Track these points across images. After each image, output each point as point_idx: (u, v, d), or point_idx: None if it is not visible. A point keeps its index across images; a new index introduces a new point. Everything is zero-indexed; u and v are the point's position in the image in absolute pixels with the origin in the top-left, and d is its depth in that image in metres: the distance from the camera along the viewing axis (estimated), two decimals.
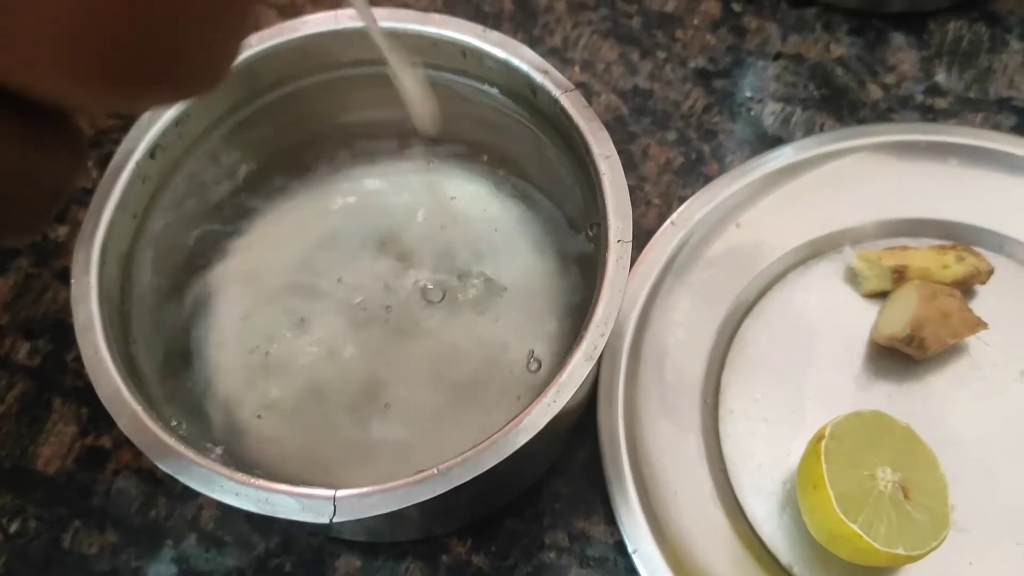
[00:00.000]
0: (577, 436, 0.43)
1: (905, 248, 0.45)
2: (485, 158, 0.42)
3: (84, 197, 0.44)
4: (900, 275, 0.44)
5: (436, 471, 0.30)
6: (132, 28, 0.14)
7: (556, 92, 0.37)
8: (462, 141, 0.42)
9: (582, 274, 0.39)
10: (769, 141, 0.51)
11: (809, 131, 0.51)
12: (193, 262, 0.40)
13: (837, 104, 0.52)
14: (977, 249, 0.45)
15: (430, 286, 0.40)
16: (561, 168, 0.39)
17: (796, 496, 0.39)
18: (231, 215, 0.41)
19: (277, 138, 0.42)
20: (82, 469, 0.43)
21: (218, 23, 0.16)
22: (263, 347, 0.39)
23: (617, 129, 0.51)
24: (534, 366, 0.38)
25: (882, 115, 0.51)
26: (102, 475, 0.43)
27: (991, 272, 0.44)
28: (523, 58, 0.38)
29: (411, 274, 0.41)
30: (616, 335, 0.43)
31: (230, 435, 0.37)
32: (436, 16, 0.39)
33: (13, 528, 0.42)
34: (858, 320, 0.45)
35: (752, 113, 0.52)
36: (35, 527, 0.42)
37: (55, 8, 0.14)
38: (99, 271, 0.35)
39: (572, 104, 0.37)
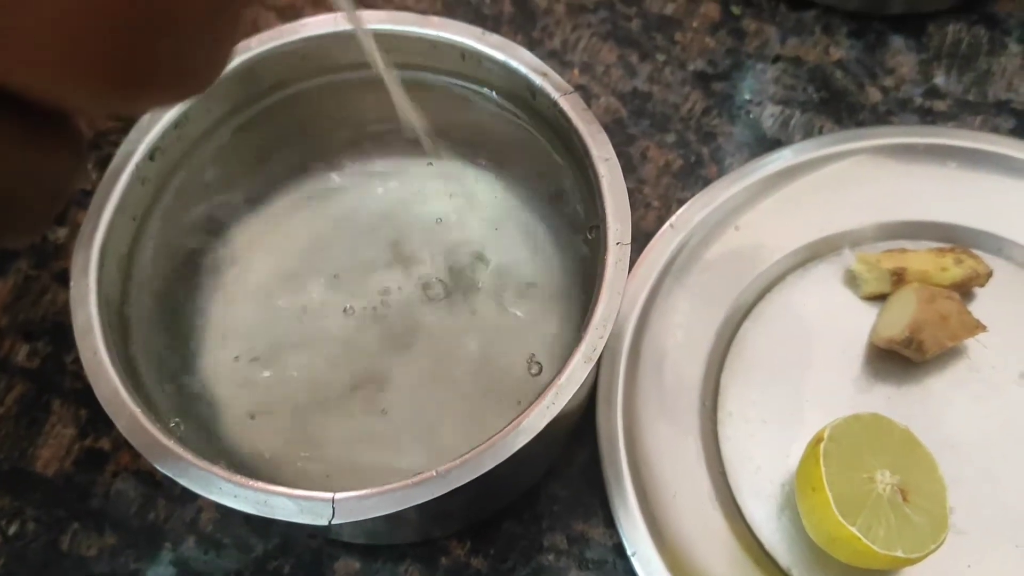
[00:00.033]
0: (576, 438, 0.43)
1: (904, 251, 0.45)
2: (484, 160, 0.42)
3: (83, 199, 0.44)
4: (899, 278, 0.44)
5: (435, 473, 0.30)
6: (131, 28, 0.14)
7: (555, 95, 0.37)
8: (461, 143, 0.42)
9: (581, 276, 0.39)
10: (768, 144, 0.51)
11: (808, 134, 0.51)
12: (192, 264, 0.40)
13: (836, 107, 0.52)
14: (976, 252, 0.45)
15: (429, 288, 0.40)
16: (560, 170, 0.39)
17: (795, 498, 0.39)
18: (230, 217, 0.41)
19: (276, 140, 0.42)
20: (81, 471, 0.43)
21: (215, 23, 0.16)
22: (262, 348, 0.39)
23: (616, 132, 0.51)
24: (535, 369, 0.38)
25: (881, 118, 0.51)
26: (101, 477, 0.43)
27: (990, 275, 0.44)
28: (522, 60, 0.38)
29: (410, 276, 0.41)
30: (615, 337, 0.43)
31: (228, 436, 0.37)
32: (435, 19, 0.39)
33: (12, 530, 0.42)
34: (857, 323, 0.45)
35: (751, 116, 0.52)
36: (34, 529, 0.42)
37: (55, 8, 0.14)
38: (98, 273, 0.35)
39: (571, 106, 0.37)
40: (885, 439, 0.38)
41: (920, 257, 0.44)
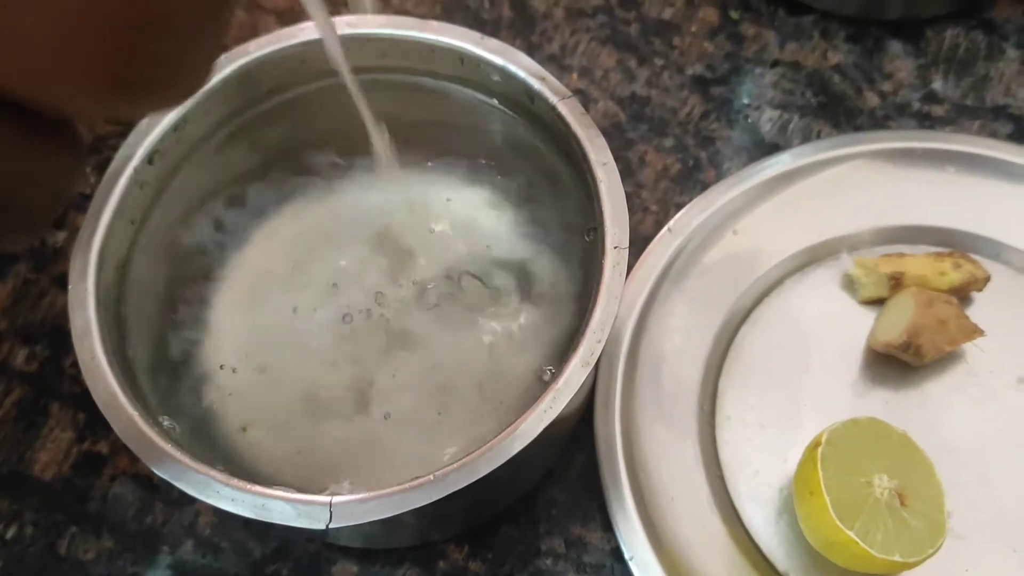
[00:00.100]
0: (574, 442, 0.43)
1: (902, 255, 0.45)
2: (482, 164, 0.42)
3: (82, 203, 0.44)
4: (897, 282, 0.44)
5: (432, 477, 0.30)
6: (132, 29, 0.14)
7: (553, 99, 0.37)
8: (460, 147, 0.42)
9: (579, 280, 0.39)
10: (766, 148, 0.51)
11: (806, 138, 0.51)
12: (190, 268, 0.40)
13: (834, 111, 0.52)
14: (974, 256, 0.45)
15: (427, 291, 0.40)
16: (558, 174, 0.39)
17: (793, 503, 0.39)
18: (228, 221, 0.41)
19: (275, 144, 0.42)
20: (79, 475, 0.43)
21: (207, 27, 0.16)
22: (260, 352, 0.39)
23: (614, 136, 0.51)
24: (532, 373, 0.38)
25: (879, 122, 0.52)
26: (99, 481, 0.43)
27: (988, 279, 0.44)
28: (521, 65, 0.38)
29: (408, 280, 0.41)
30: (613, 341, 0.43)
31: (225, 440, 0.37)
32: (434, 23, 0.39)
33: (10, 534, 0.42)
34: (855, 327, 0.45)
35: (749, 120, 0.52)
36: (31, 533, 0.42)
37: (55, 8, 0.14)
38: (97, 277, 0.35)
39: (569, 111, 0.37)
40: (883, 443, 0.38)
41: (918, 261, 0.44)
